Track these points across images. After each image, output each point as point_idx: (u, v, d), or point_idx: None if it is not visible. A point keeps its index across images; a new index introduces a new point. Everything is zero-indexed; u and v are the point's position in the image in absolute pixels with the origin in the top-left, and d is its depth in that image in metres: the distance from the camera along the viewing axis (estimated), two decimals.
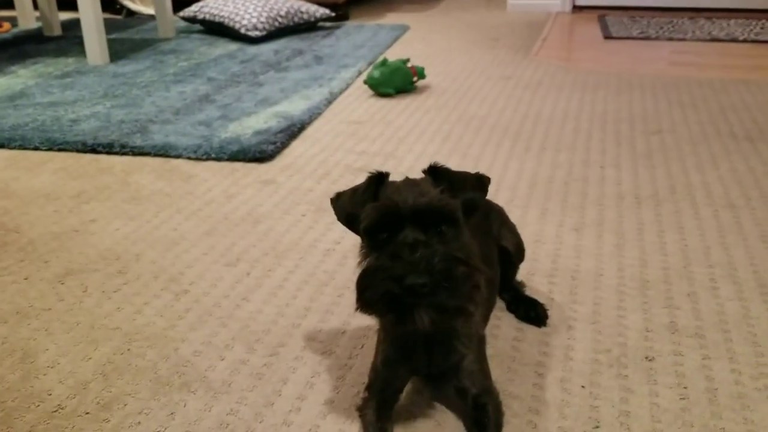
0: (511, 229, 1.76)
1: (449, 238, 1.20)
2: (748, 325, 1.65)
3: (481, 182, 1.34)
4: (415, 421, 1.38)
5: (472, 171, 1.35)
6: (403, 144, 2.86)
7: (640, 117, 3.17)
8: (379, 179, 1.29)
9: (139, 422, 1.37)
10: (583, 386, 1.46)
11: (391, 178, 1.30)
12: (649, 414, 1.38)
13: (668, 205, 2.28)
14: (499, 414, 1.33)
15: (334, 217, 1.34)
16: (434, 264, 1.11)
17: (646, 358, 1.54)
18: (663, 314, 1.70)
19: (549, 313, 1.70)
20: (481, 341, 1.43)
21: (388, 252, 1.16)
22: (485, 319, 1.55)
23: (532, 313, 1.70)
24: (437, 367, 1.34)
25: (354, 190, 1.32)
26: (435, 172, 1.30)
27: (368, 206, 1.23)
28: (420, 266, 1.10)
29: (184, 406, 1.42)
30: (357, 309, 1.18)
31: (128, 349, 1.60)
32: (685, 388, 1.45)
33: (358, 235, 1.28)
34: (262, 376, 1.51)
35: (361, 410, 1.37)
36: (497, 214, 1.73)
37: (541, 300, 1.74)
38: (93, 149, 2.84)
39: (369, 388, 1.40)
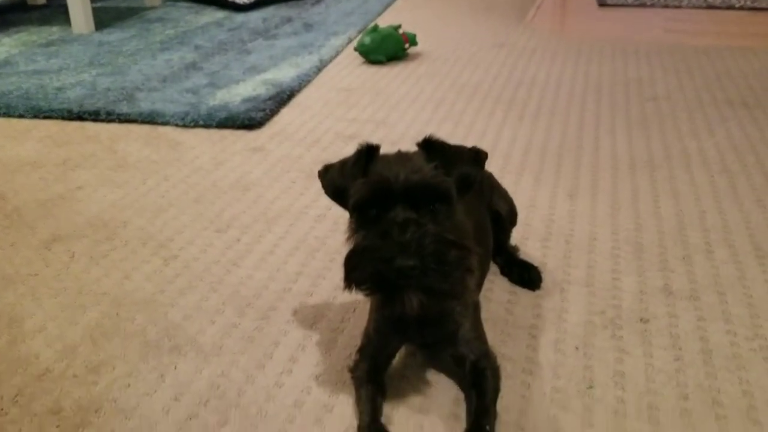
0: (503, 194, 1.73)
1: (442, 217, 1.15)
2: (743, 287, 1.64)
3: (477, 157, 1.27)
4: (408, 384, 1.37)
5: (465, 139, 1.31)
6: (395, 111, 2.82)
7: (635, 84, 3.14)
8: (369, 152, 1.22)
9: (129, 384, 1.35)
10: (576, 347, 1.45)
11: (382, 150, 1.25)
12: (644, 374, 1.37)
13: (663, 171, 2.26)
14: (497, 377, 1.31)
15: (326, 195, 1.29)
16: (425, 246, 1.06)
17: (641, 320, 1.53)
18: (657, 277, 1.68)
19: (542, 276, 1.68)
20: (476, 307, 1.41)
21: (377, 231, 1.11)
22: (479, 285, 1.53)
23: (526, 276, 1.68)
24: (431, 337, 1.32)
25: (343, 164, 1.27)
26: (429, 145, 1.23)
27: (358, 182, 1.17)
28: (410, 248, 1.06)
29: (175, 368, 1.40)
30: (345, 288, 1.14)
31: (117, 314, 1.58)
32: (679, 349, 1.44)
33: (346, 209, 1.23)
34: (253, 340, 1.49)
35: (353, 372, 1.35)
36: (487, 179, 1.69)
37: (535, 264, 1.72)
38: (79, 117, 2.79)
39: (361, 351, 1.37)
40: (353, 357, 1.39)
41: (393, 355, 1.39)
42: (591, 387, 1.33)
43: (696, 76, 3.23)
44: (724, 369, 1.38)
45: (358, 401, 1.29)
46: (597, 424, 1.24)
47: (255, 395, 1.32)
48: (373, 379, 1.32)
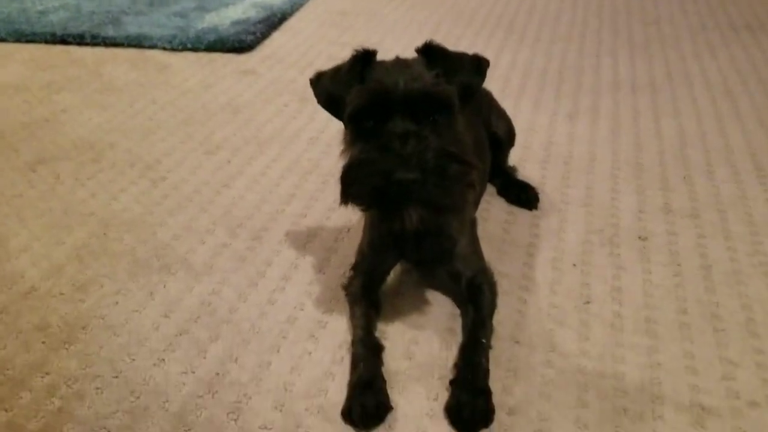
0: (501, 113, 1.67)
1: (443, 128, 1.08)
2: (744, 206, 1.61)
3: (479, 65, 1.19)
4: (403, 300, 1.34)
5: None
6: (390, 35, 2.74)
7: (638, 7, 3.05)
8: (365, 58, 1.14)
9: (117, 302, 1.33)
10: (574, 264, 1.42)
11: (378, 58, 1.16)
12: (642, 290, 1.34)
13: (665, 92, 2.20)
14: (493, 293, 1.29)
15: (317, 107, 1.20)
16: (426, 160, 1.01)
17: (640, 237, 1.50)
18: (657, 196, 1.65)
19: (540, 197, 1.64)
20: (473, 224, 1.37)
21: (375, 143, 1.04)
22: (476, 202, 1.49)
23: (524, 196, 1.64)
24: (428, 253, 1.28)
25: (337, 70, 1.18)
26: (429, 51, 1.15)
27: (354, 89, 1.10)
28: (411, 161, 1.00)
29: (164, 287, 1.37)
30: (341, 203, 1.08)
31: (104, 234, 1.54)
32: (678, 265, 1.41)
33: (340, 120, 1.16)
34: (245, 259, 1.45)
35: (347, 289, 1.33)
36: (486, 97, 1.64)
37: (533, 185, 1.68)
38: (63, 40, 2.70)
39: (355, 268, 1.34)
40: (347, 274, 1.36)
41: (388, 272, 1.36)
42: (588, 302, 1.31)
43: None
44: (723, 284, 1.36)
45: (352, 317, 1.27)
46: (593, 338, 1.22)
47: (247, 312, 1.30)
48: (368, 295, 1.29)
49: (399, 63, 1.13)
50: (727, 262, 1.42)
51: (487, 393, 1.09)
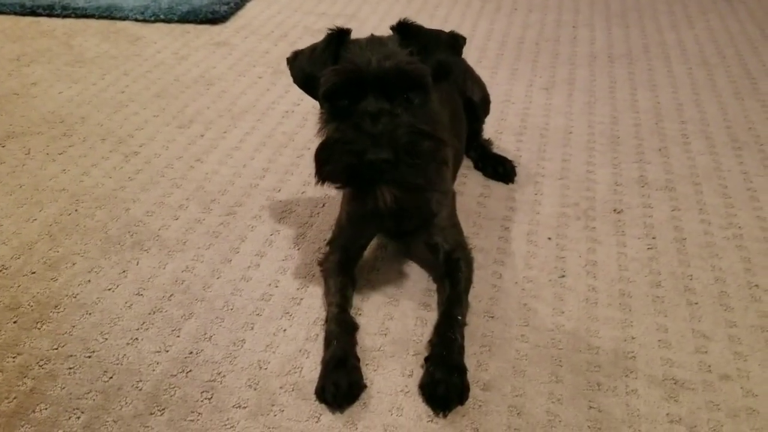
0: (476, 79, 1.66)
1: (416, 106, 1.08)
2: (719, 177, 1.62)
3: (455, 42, 1.19)
4: (378, 275, 1.34)
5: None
6: (366, 5, 2.69)
7: None
8: (339, 37, 1.14)
9: (89, 280, 1.31)
10: (549, 238, 1.42)
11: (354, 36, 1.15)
12: (616, 263, 1.35)
13: (641, 63, 2.20)
14: (470, 269, 1.29)
15: (295, 84, 1.21)
16: (398, 138, 1.00)
17: (615, 210, 1.51)
18: (633, 168, 1.65)
19: (517, 170, 1.64)
20: (452, 197, 1.37)
21: (349, 123, 1.04)
22: (454, 175, 1.48)
23: (500, 169, 1.64)
24: (406, 226, 1.28)
25: (312, 49, 1.17)
26: (404, 29, 1.14)
27: (328, 69, 1.09)
28: (382, 140, 1.00)
29: (137, 264, 1.35)
30: (316, 183, 1.08)
31: (76, 210, 1.51)
32: (653, 238, 1.42)
33: (316, 99, 1.15)
34: (218, 235, 1.44)
35: (323, 264, 1.32)
36: (460, 63, 1.61)
37: (509, 158, 1.67)
38: (32, 12, 2.63)
39: (332, 243, 1.34)
40: (323, 250, 1.35)
41: (365, 247, 1.36)
42: (563, 276, 1.32)
43: None
44: (697, 257, 1.37)
45: (327, 293, 1.26)
46: (567, 312, 1.23)
47: (221, 289, 1.29)
48: (344, 271, 1.28)
49: (373, 41, 1.12)
50: (701, 235, 1.43)
51: (462, 370, 1.09)
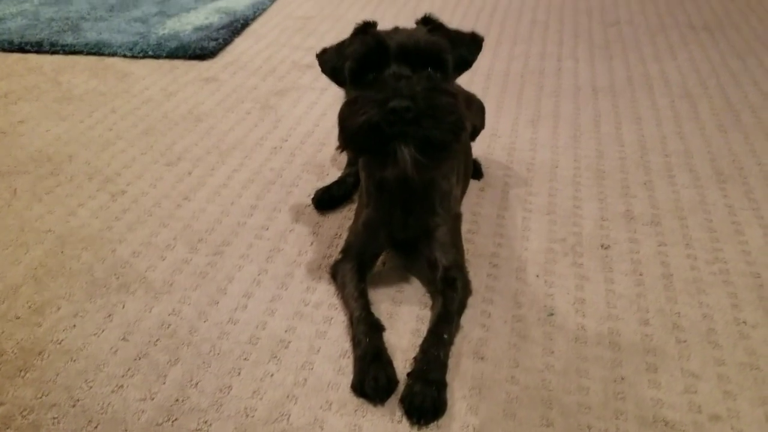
0: (473, 99, 1.73)
1: (436, 79, 1.13)
2: (704, 211, 1.62)
3: (475, 41, 1.27)
4: (374, 292, 1.36)
5: None
6: None
7: (598, 8, 3.07)
8: (365, 29, 1.22)
9: (74, 325, 1.29)
10: (537, 275, 1.42)
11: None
12: (605, 300, 1.35)
13: (625, 95, 2.22)
14: (465, 292, 1.31)
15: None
16: (418, 91, 1.06)
17: (602, 246, 1.51)
18: (619, 203, 1.66)
19: (504, 204, 1.65)
20: (457, 218, 1.40)
21: (372, 87, 1.10)
22: (461, 197, 1.52)
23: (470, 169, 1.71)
24: (413, 229, 1.32)
25: (340, 44, 1.26)
26: (428, 22, 1.23)
27: (354, 41, 1.18)
28: (403, 91, 1.05)
29: (123, 307, 1.34)
30: (339, 147, 1.14)
31: (62, 252, 1.50)
32: (640, 274, 1.42)
33: (343, 88, 1.23)
34: (205, 275, 1.43)
35: (337, 272, 1.35)
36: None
37: (496, 192, 1.69)
38: (21, 48, 2.64)
39: (346, 250, 1.37)
40: (335, 258, 1.40)
41: (378, 255, 1.39)
42: (551, 314, 1.31)
43: None
44: (684, 293, 1.37)
45: (348, 298, 1.29)
46: (557, 351, 1.23)
47: (208, 333, 1.28)
48: (360, 279, 1.32)
49: (397, 28, 1.21)
50: (688, 270, 1.43)
51: (440, 385, 1.11)
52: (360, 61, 1.15)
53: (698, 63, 2.45)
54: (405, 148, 1.06)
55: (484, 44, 1.27)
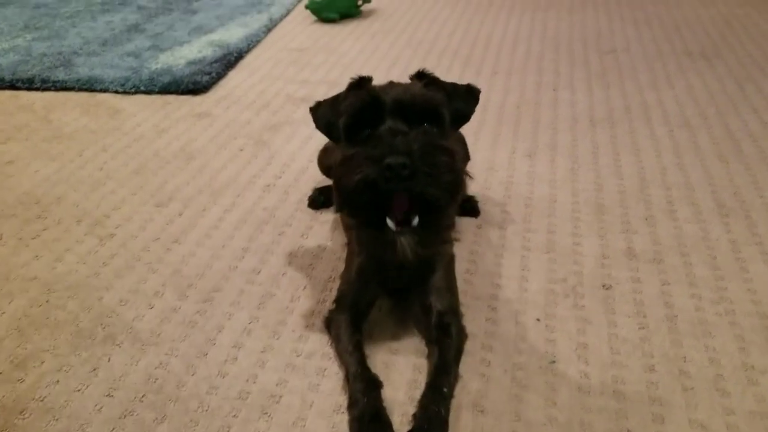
0: (457, 138, 1.70)
1: (433, 134, 1.11)
2: (707, 248, 1.58)
3: (471, 92, 1.25)
4: (372, 335, 1.33)
5: None
6: (348, 71, 2.69)
7: (594, 36, 3.05)
8: (360, 84, 1.19)
9: (58, 381, 1.25)
10: (538, 319, 1.38)
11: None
12: (608, 345, 1.30)
13: (623, 126, 2.19)
14: (461, 338, 1.27)
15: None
16: (414, 149, 1.03)
17: (603, 286, 1.47)
18: (620, 240, 1.62)
19: (502, 243, 1.61)
20: (451, 260, 1.36)
21: (368, 143, 1.07)
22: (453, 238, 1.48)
23: (468, 206, 1.71)
24: (407, 277, 1.28)
25: (335, 98, 1.23)
26: (422, 77, 1.21)
27: (349, 96, 1.15)
28: (399, 148, 1.02)
29: (108, 360, 1.30)
30: (337, 210, 1.14)
31: (47, 301, 1.46)
32: (644, 316, 1.38)
33: (338, 144, 1.21)
34: (194, 325, 1.39)
35: (329, 324, 1.31)
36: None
37: (494, 230, 1.65)
38: (12, 85, 2.61)
39: (339, 300, 1.33)
40: (329, 308, 1.35)
41: (372, 304, 1.35)
42: (553, 362, 1.27)
43: (654, 26, 3.16)
44: (689, 336, 1.32)
45: (343, 352, 1.24)
46: (560, 402, 1.18)
47: (196, 387, 1.23)
48: (356, 328, 1.28)
49: (392, 83, 1.18)
50: (693, 311, 1.38)
51: None
52: (355, 117, 1.12)
53: (696, 91, 2.42)
54: (404, 238, 1.06)
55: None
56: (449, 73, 2.65)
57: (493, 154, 2.04)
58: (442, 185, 1.05)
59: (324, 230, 1.69)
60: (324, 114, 1.23)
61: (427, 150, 1.04)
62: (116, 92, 2.56)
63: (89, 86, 2.58)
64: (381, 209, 1.06)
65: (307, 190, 1.85)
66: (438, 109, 1.12)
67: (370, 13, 3.50)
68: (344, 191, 1.07)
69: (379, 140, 1.06)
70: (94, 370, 1.27)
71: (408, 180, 1.01)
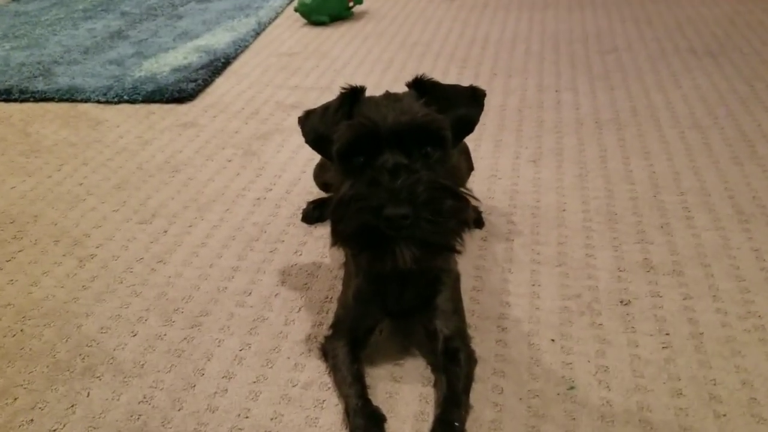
0: (461, 148, 1.59)
1: (435, 161, 1.01)
2: (728, 257, 1.48)
3: (474, 95, 1.13)
4: (373, 361, 1.23)
5: None
6: (340, 76, 2.59)
7: (594, 36, 2.96)
8: (353, 95, 1.08)
9: (32, 420, 1.14)
10: (552, 340, 1.27)
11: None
12: (630, 368, 1.20)
13: (631, 128, 2.09)
14: (471, 365, 1.16)
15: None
16: (418, 194, 0.93)
17: (621, 302, 1.36)
18: (635, 250, 1.52)
19: (510, 256, 1.51)
20: (456, 279, 1.25)
21: (365, 179, 0.97)
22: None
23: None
24: (410, 301, 1.18)
25: (325, 108, 1.12)
26: (420, 85, 1.09)
27: (341, 125, 1.03)
28: (401, 195, 0.92)
29: (87, 395, 1.18)
30: (332, 245, 1.02)
31: (21, 330, 1.35)
32: (667, 334, 1.27)
33: (329, 159, 1.10)
34: (181, 353, 1.28)
35: (326, 352, 1.21)
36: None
37: (500, 242, 1.55)
38: None
39: (336, 326, 1.22)
40: (325, 333, 1.25)
41: (372, 330, 1.24)
42: (572, 388, 1.16)
43: (656, 24, 3.06)
44: (718, 355, 1.22)
45: (342, 383, 1.14)
46: None
47: (183, 424, 1.12)
48: (355, 357, 1.18)
49: (388, 97, 1.07)
50: (719, 328, 1.28)
51: None
52: (349, 146, 1.02)
53: (704, 91, 2.33)
54: (404, 248, 0.94)
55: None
56: (446, 76, 2.55)
57: (495, 160, 1.93)
58: (447, 232, 0.96)
59: (319, 246, 1.58)
60: (314, 127, 1.13)
61: (431, 196, 0.94)
62: (98, 102, 2.45)
63: (70, 96, 2.47)
64: (380, 249, 0.96)
65: (299, 203, 1.75)
66: (440, 132, 1.02)
67: (361, 14, 3.40)
68: (341, 236, 0.99)
69: (379, 176, 0.96)
70: (72, 406, 1.16)
71: (409, 228, 0.93)
